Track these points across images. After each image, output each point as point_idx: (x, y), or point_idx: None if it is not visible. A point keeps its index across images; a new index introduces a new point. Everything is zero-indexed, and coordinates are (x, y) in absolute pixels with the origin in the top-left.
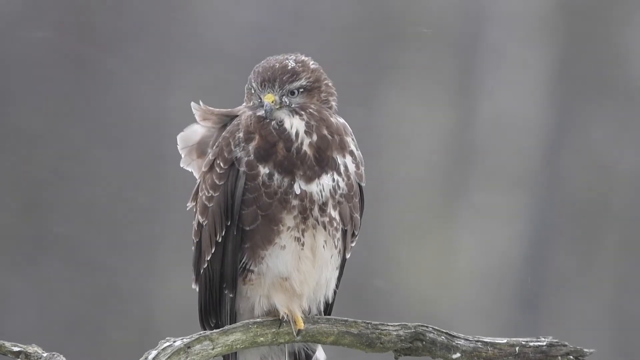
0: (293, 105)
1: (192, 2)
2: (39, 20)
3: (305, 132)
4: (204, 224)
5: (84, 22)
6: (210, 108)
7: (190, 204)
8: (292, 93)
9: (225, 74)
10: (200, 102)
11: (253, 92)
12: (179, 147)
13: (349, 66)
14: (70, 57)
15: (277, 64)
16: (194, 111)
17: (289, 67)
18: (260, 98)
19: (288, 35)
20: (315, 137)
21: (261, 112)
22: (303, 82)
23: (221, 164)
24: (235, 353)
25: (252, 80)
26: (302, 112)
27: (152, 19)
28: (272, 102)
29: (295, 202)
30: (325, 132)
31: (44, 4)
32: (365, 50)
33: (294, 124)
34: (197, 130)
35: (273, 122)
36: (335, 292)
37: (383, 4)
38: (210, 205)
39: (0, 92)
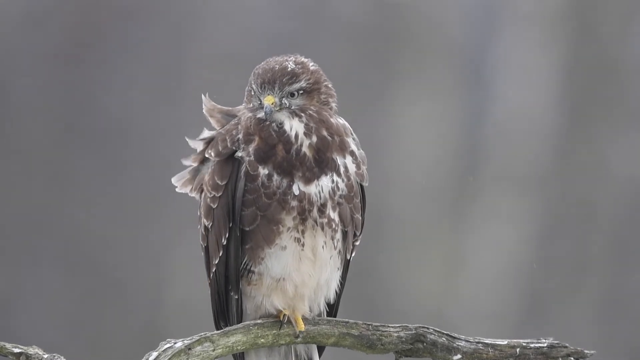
0: (293, 107)
1: (199, 4)
2: (40, 24)
3: (305, 133)
4: (210, 227)
5: (88, 27)
6: (215, 104)
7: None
8: (292, 95)
9: (233, 77)
10: (207, 95)
11: (253, 93)
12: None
13: (357, 68)
14: (72, 60)
15: (277, 66)
16: (203, 105)
17: (289, 69)
18: (260, 100)
19: (295, 37)
20: (314, 139)
21: (261, 114)
22: (303, 83)
23: (212, 154)
24: (243, 353)
25: (252, 82)
26: (302, 114)
27: (158, 22)
28: (272, 104)
29: (294, 203)
30: (325, 133)
31: (47, 6)
32: (374, 53)
33: (294, 126)
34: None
35: (273, 124)
36: (339, 294)
37: (392, 6)
38: (215, 206)
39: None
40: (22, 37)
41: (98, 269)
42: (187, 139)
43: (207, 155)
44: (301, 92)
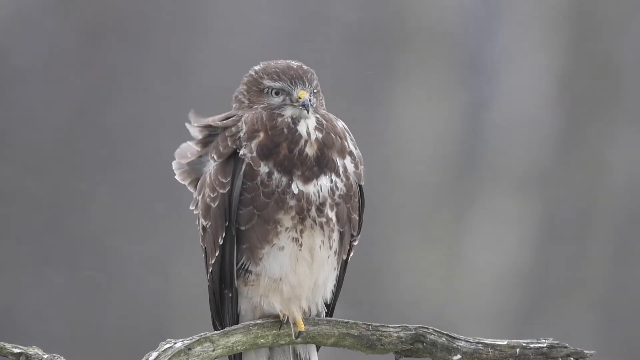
0: (315, 105)
1: (203, 10)
2: (44, 25)
3: (316, 128)
4: (208, 227)
5: (92, 28)
6: (204, 120)
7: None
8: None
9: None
10: (192, 116)
11: (270, 92)
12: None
13: (357, 67)
14: (77, 61)
15: (293, 65)
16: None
17: (305, 67)
18: (292, 95)
19: (297, 37)
20: (322, 136)
21: (290, 112)
22: (316, 81)
23: (215, 157)
24: (241, 354)
25: (274, 80)
26: (317, 114)
27: (162, 25)
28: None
29: (292, 203)
30: (331, 133)
31: (53, 7)
32: (373, 52)
33: (309, 125)
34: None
35: (288, 121)
36: (336, 294)
37: (392, 6)
38: (215, 204)
39: (12, 103)
40: (26, 38)
41: (100, 269)
42: (187, 125)
43: (209, 158)
44: (315, 91)
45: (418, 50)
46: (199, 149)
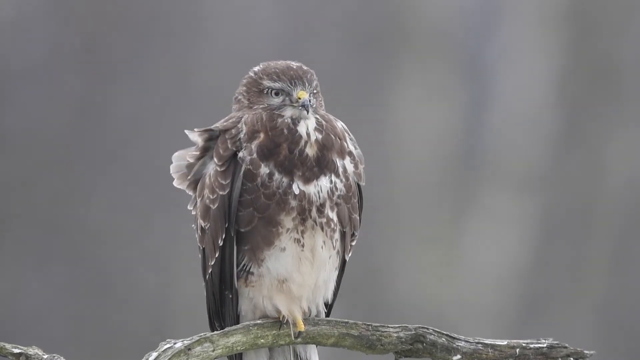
0: (315, 106)
1: (203, 10)
2: (48, 23)
3: (316, 129)
4: (207, 228)
5: (94, 28)
6: (202, 132)
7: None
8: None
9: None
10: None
11: (270, 92)
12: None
13: (357, 67)
14: (79, 61)
15: (293, 65)
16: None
17: (305, 68)
18: (291, 95)
19: (297, 36)
20: (322, 136)
21: (290, 112)
22: (316, 82)
23: (215, 159)
24: (241, 354)
25: (273, 80)
26: (317, 114)
27: (163, 26)
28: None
29: (294, 203)
30: (331, 134)
31: (58, 8)
32: (373, 52)
33: (309, 126)
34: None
35: (288, 122)
36: (335, 294)
37: (392, 6)
38: (215, 206)
39: (15, 100)
40: (26, 39)
41: (102, 269)
42: (186, 132)
43: (210, 161)
44: (315, 92)
45: (418, 50)
46: (199, 154)
